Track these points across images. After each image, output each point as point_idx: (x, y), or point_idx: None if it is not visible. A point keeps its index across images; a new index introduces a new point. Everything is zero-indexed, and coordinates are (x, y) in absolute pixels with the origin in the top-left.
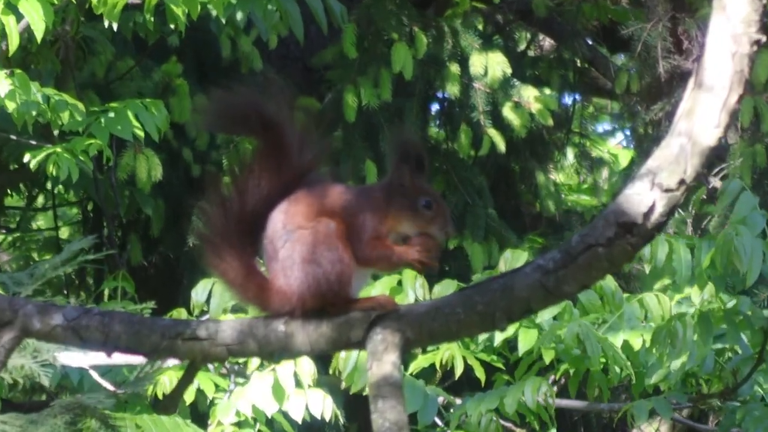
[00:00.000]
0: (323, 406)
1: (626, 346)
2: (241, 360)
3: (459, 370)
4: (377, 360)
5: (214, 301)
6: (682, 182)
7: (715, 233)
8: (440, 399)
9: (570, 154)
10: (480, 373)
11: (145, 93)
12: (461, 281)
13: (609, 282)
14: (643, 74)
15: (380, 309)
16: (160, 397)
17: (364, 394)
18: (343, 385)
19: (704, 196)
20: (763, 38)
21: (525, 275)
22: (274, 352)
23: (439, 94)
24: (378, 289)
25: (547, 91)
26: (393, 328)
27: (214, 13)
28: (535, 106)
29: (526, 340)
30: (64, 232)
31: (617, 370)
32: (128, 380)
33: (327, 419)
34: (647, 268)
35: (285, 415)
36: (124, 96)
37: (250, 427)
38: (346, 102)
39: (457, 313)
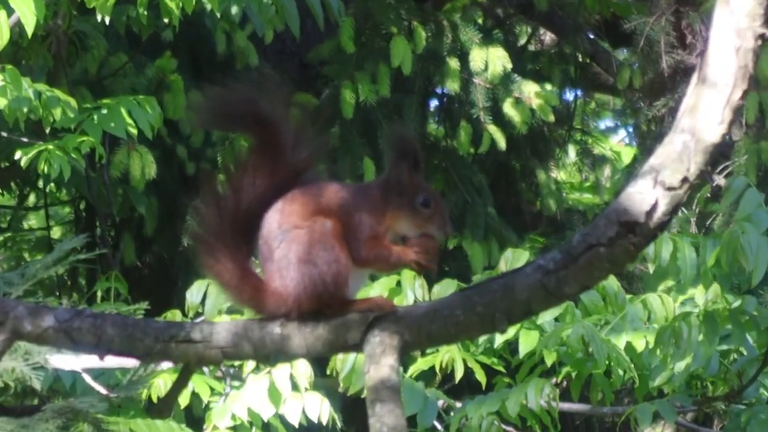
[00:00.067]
0: (320, 409)
1: (629, 347)
2: (236, 363)
3: (459, 373)
4: (375, 363)
5: (209, 303)
6: (685, 180)
7: (719, 232)
8: (440, 402)
9: (571, 151)
10: (480, 376)
11: (138, 89)
12: (461, 281)
13: (612, 282)
14: (645, 69)
15: (378, 311)
16: (155, 400)
17: (362, 396)
18: (341, 387)
19: (708, 194)
20: None
21: (525, 276)
22: (270, 355)
23: (439, 90)
24: (376, 289)
25: (548, 86)
26: (391, 330)
27: (208, 7)
28: (536, 102)
29: (527, 342)
30: (56, 232)
31: (620, 372)
32: (121, 383)
33: (324, 423)
34: (651, 268)
35: (281, 418)
36: (117, 92)
37: (246, 431)
38: (343, 98)
39: (456, 314)
